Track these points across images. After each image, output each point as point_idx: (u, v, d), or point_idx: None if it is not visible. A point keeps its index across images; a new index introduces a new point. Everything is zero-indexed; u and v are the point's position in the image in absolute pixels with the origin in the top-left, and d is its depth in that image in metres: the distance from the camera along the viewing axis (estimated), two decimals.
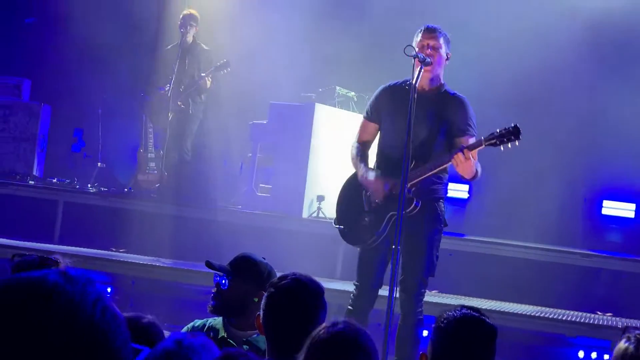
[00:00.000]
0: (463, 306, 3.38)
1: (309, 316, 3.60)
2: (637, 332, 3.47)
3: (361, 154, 6.44)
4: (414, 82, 5.85)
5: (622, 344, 3.44)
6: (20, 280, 1.56)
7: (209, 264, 4.73)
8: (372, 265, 6.25)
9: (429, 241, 6.28)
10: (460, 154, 5.83)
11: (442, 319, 3.34)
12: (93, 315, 1.55)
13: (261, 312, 3.75)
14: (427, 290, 6.50)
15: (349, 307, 6.46)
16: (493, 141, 5.93)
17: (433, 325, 3.37)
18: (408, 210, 6.10)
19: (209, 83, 10.85)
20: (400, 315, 6.29)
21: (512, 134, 5.92)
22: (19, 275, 1.57)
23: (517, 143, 5.94)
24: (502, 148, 5.96)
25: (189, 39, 11.06)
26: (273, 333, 3.71)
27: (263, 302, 3.75)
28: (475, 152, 5.90)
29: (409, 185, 6.06)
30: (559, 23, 11.20)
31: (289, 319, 3.63)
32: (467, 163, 5.86)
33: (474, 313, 3.33)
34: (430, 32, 6.22)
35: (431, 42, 6.19)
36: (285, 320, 3.65)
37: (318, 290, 3.73)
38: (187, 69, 11.05)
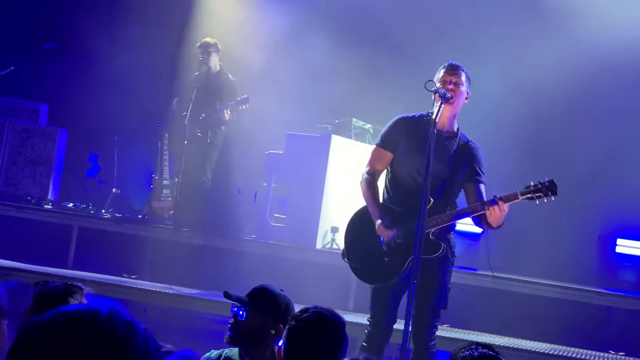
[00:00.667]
0: (477, 343, 3.36)
1: (331, 350, 3.61)
2: None
3: (373, 188, 6.36)
4: (434, 117, 5.82)
5: None
6: (84, 314, 1.76)
7: (227, 295, 4.73)
8: (387, 301, 6.21)
9: (442, 274, 6.26)
10: (496, 207, 5.81)
11: (459, 358, 3.32)
12: (146, 346, 1.76)
13: (282, 345, 3.75)
14: (439, 324, 6.48)
15: (364, 343, 6.41)
16: (529, 195, 5.90)
17: None
18: (435, 255, 6.07)
19: (227, 116, 10.87)
20: (413, 348, 6.26)
21: (549, 189, 5.90)
22: (77, 309, 1.77)
23: (553, 198, 5.91)
24: (537, 202, 5.94)
25: (215, 67, 11.10)
26: None
27: (284, 334, 3.75)
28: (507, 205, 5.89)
29: (433, 230, 6.02)
30: (574, 60, 11.22)
31: (311, 352, 3.63)
32: (501, 214, 5.85)
33: (490, 352, 3.31)
34: (454, 69, 6.22)
35: (453, 79, 6.17)
36: (307, 353, 3.64)
37: (340, 323, 3.73)
38: (209, 98, 11.07)
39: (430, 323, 6.23)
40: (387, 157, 6.36)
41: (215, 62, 11.09)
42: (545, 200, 5.90)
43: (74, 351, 1.69)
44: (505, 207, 5.83)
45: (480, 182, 6.20)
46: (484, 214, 5.96)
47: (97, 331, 1.72)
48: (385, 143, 6.37)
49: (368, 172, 6.38)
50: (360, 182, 6.39)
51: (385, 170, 6.42)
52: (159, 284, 10.04)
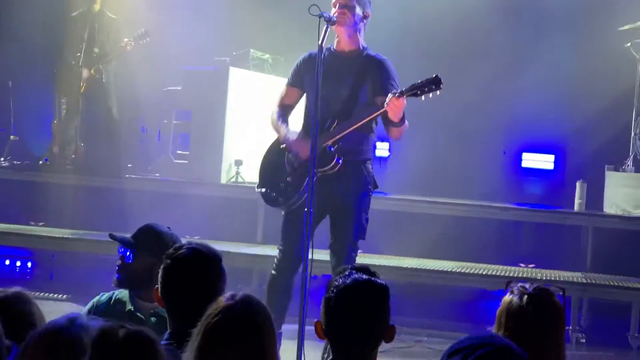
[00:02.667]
0: (352, 268, 3.30)
1: (208, 286, 3.52)
2: (519, 284, 3.48)
3: (282, 117, 6.40)
4: (319, 41, 5.77)
5: (506, 297, 3.46)
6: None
7: (112, 237, 4.63)
8: (297, 229, 6.15)
9: (358, 204, 6.24)
10: (392, 97, 5.80)
11: (332, 287, 3.26)
12: None
13: (159, 285, 3.66)
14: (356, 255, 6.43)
15: (273, 271, 6.41)
16: (414, 91, 5.88)
17: (324, 296, 3.29)
18: (329, 167, 6.05)
19: (130, 47, 10.66)
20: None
21: (433, 83, 5.89)
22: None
23: (438, 93, 5.91)
24: (423, 98, 5.93)
25: (96, 6, 10.85)
26: (172, 305, 3.63)
27: (160, 274, 3.66)
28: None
29: (330, 142, 6.03)
30: None
31: (186, 290, 3.55)
32: (400, 102, 5.81)
33: (362, 276, 3.25)
34: None
35: (342, 2, 6.14)
36: (183, 291, 3.56)
37: (215, 258, 3.65)
38: (97, 38, 10.84)
39: (348, 255, 6.21)
40: (294, 93, 6.47)
41: (99, 1, 10.84)
42: (431, 96, 5.89)
43: None
44: (402, 99, 5.81)
45: (390, 92, 6.13)
46: (386, 119, 5.99)
47: None
48: (291, 81, 6.50)
49: (277, 105, 6.45)
50: (270, 117, 6.43)
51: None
52: (65, 230, 9.89)
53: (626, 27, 10.12)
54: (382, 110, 5.97)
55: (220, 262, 3.65)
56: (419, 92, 5.90)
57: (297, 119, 6.60)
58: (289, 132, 6.33)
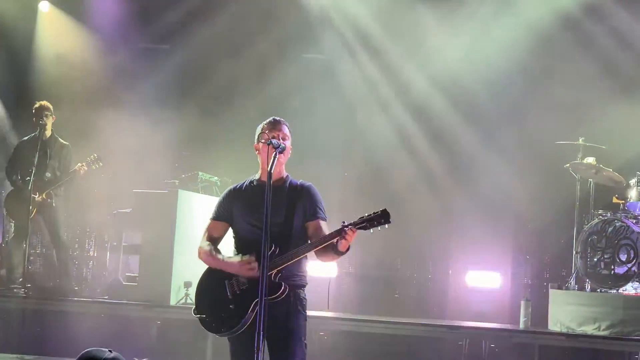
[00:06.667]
0: None
1: None
2: None
3: (211, 249, 6.41)
4: (268, 168, 5.88)
5: None
6: None
7: None
8: (245, 354, 6.17)
9: (297, 330, 6.28)
10: (349, 231, 5.91)
11: None
12: None
13: None
14: None
15: None
16: (364, 224, 6.00)
17: None
18: (276, 295, 6.10)
19: (80, 173, 10.78)
20: None
21: (382, 217, 6.01)
22: None
23: (386, 226, 6.02)
24: (371, 231, 6.04)
25: (48, 132, 10.99)
26: None
27: None
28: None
29: (275, 272, 6.08)
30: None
31: None
32: (350, 240, 5.94)
33: None
34: (277, 124, 6.35)
35: (280, 134, 6.30)
36: None
37: None
38: (49, 163, 10.95)
39: None
40: (221, 226, 6.46)
41: (49, 126, 10.99)
42: (380, 229, 6.02)
43: None
44: (354, 231, 5.93)
45: (318, 217, 6.26)
46: (328, 246, 6.07)
47: None
48: (218, 215, 6.48)
49: (205, 240, 6.46)
50: (199, 252, 6.44)
51: (233, 241, 6.49)
52: (11, 355, 9.77)
53: (562, 142, 10.45)
54: (335, 238, 6.05)
55: None
56: (367, 224, 6.03)
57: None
58: (230, 257, 6.37)
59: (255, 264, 6.11)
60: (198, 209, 10.45)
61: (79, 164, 10.78)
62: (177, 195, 10.47)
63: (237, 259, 6.26)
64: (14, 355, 9.74)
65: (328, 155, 12.01)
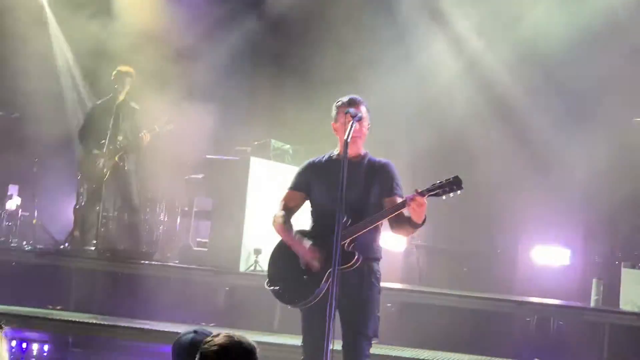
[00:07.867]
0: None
1: None
2: None
3: (288, 221, 6.42)
4: (346, 137, 5.88)
5: None
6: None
7: None
8: (317, 326, 6.17)
9: (371, 302, 6.28)
10: (418, 197, 5.88)
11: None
12: None
13: None
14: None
15: None
16: (436, 191, 5.97)
17: None
18: (350, 264, 6.10)
19: (146, 141, 10.88)
20: None
21: (454, 184, 5.98)
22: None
23: (459, 193, 5.99)
24: (444, 198, 6.01)
25: (121, 96, 11.09)
26: None
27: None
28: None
29: (348, 241, 6.08)
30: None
31: None
32: (422, 208, 5.91)
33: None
34: (355, 102, 6.31)
35: (360, 113, 6.26)
36: None
37: (250, 348, 3.72)
38: (121, 127, 11.06)
39: (362, 353, 6.23)
40: (297, 196, 6.51)
41: (125, 91, 11.08)
42: (452, 195, 5.98)
43: None
44: (424, 199, 5.90)
45: (395, 194, 6.24)
46: (403, 218, 6.04)
47: None
48: (295, 185, 6.52)
49: (280, 210, 6.47)
50: (273, 220, 6.45)
51: (310, 212, 6.50)
52: (83, 314, 9.93)
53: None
54: (402, 207, 6.03)
55: (254, 353, 3.72)
56: (440, 191, 5.99)
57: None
58: (302, 237, 6.34)
59: (319, 257, 6.12)
60: (269, 177, 10.48)
61: (144, 131, 10.88)
62: (249, 163, 10.51)
63: (307, 245, 6.26)
64: (87, 314, 9.91)
65: (400, 125, 11.94)
